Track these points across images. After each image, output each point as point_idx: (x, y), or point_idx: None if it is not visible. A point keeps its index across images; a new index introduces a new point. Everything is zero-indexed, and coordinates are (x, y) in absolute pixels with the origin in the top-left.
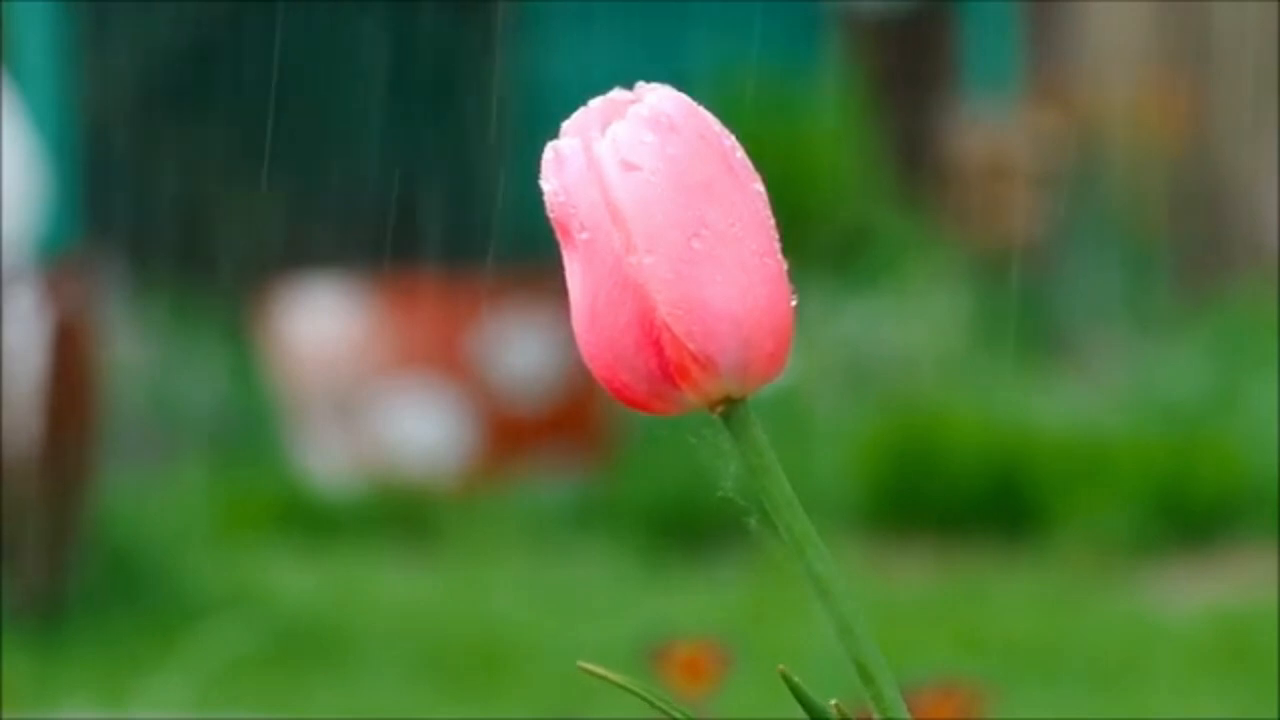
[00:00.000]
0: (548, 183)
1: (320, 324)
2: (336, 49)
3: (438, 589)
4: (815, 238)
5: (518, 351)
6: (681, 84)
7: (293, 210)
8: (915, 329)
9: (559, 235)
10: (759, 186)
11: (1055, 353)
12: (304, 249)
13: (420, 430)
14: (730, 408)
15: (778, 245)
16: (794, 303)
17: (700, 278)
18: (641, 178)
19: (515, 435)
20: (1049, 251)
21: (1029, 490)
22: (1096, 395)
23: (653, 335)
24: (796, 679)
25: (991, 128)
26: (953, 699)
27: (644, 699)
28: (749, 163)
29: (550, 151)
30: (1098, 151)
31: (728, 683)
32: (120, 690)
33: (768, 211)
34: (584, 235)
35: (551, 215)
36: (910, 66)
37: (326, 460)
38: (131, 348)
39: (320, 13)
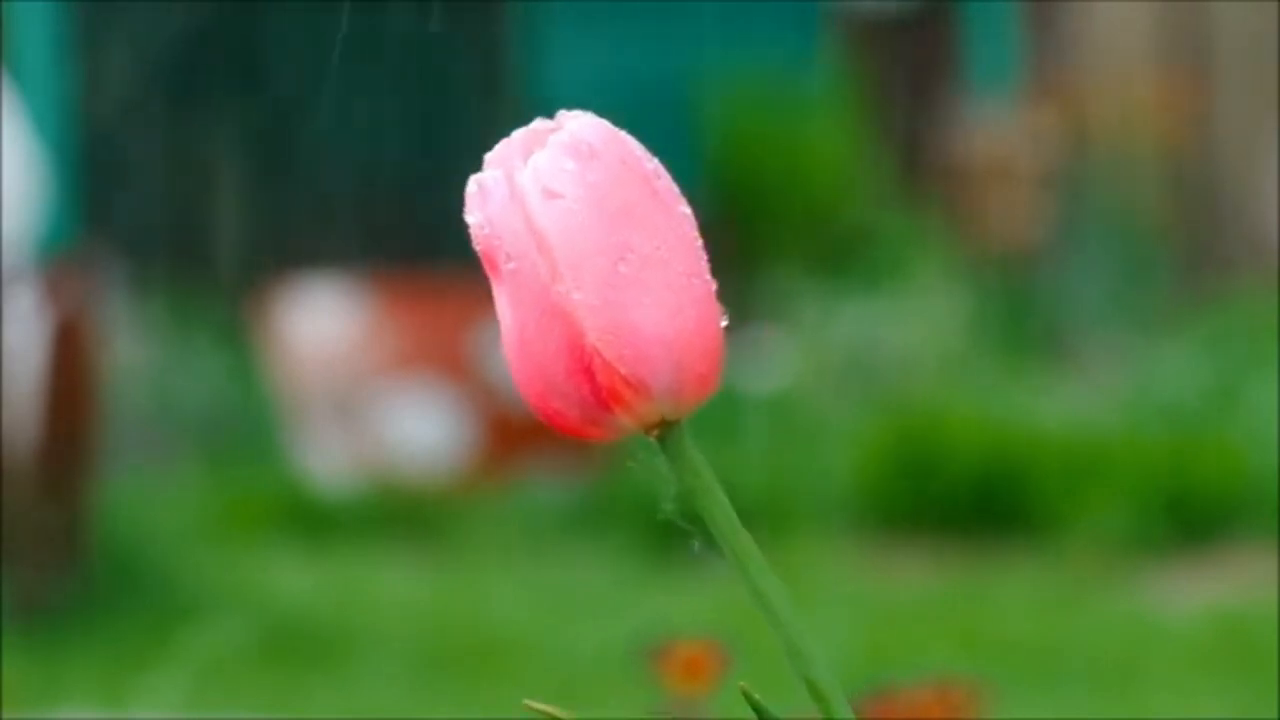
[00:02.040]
0: (472, 215)
1: (320, 324)
2: (335, 49)
3: (437, 589)
4: (815, 238)
5: None
6: (682, 84)
7: (292, 210)
8: (915, 329)
9: (486, 267)
10: (685, 209)
11: (1055, 352)
12: (304, 249)
13: (420, 430)
14: (665, 430)
15: (706, 266)
16: (724, 323)
17: (628, 302)
18: (564, 205)
19: (515, 435)
20: (1049, 251)
21: (1029, 491)
22: (1096, 395)
23: (583, 361)
24: (758, 697)
25: (992, 128)
26: (952, 699)
27: None
28: (674, 186)
29: (473, 184)
30: (1098, 151)
31: (726, 683)
32: (120, 690)
33: (694, 233)
34: (510, 265)
35: (477, 248)
36: (910, 66)
37: (326, 460)
38: (131, 348)
39: (320, 12)
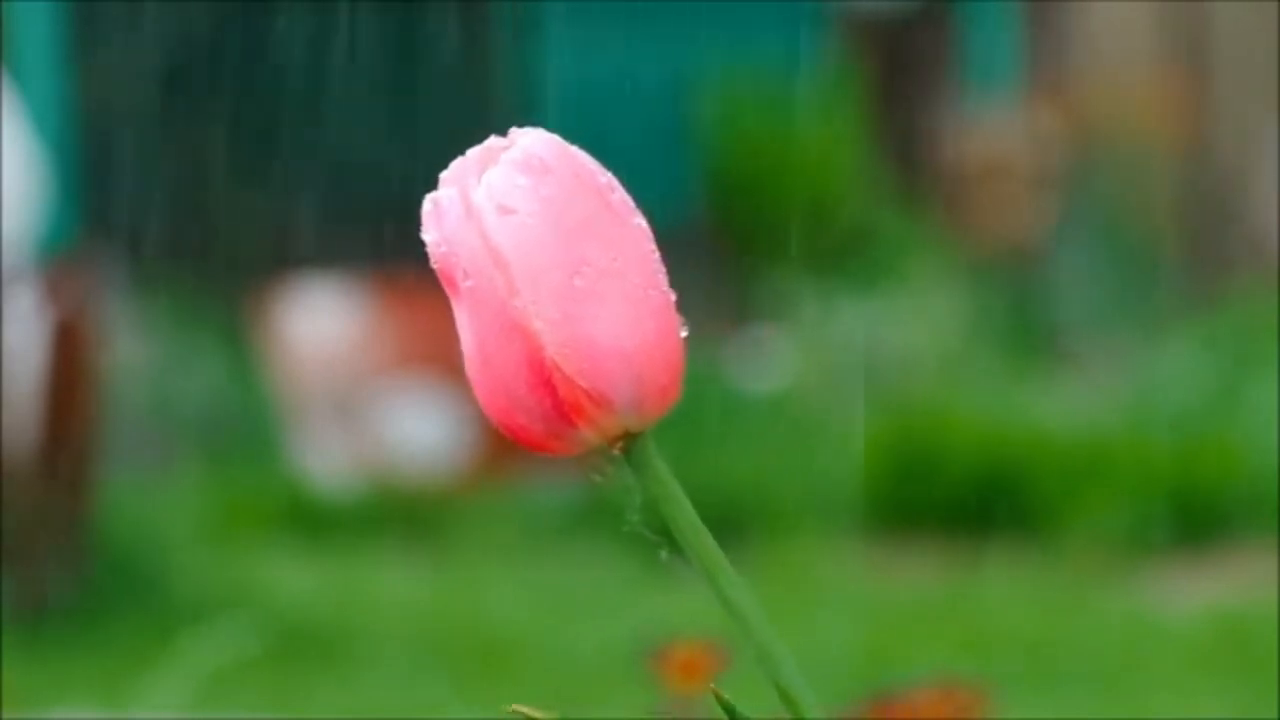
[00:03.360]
0: (428, 234)
1: (320, 324)
2: (336, 48)
3: (437, 589)
4: (815, 238)
5: None
6: (682, 84)
7: (292, 210)
8: (915, 329)
9: (444, 285)
10: (640, 221)
11: (1055, 353)
12: (304, 249)
13: (420, 430)
14: (629, 442)
15: (664, 278)
16: (684, 334)
17: (585, 315)
18: (518, 220)
19: None
20: (1049, 251)
21: (1029, 491)
22: (1096, 395)
23: (544, 376)
24: (728, 697)
25: (991, 127)
26: (953, 699)
27: None
28: (628, 198)
29: (429, 204)
30: (1097, 151)
31: (725, 683)
32: (120, 690)
33: (651, 245)
34: (468, 283)
35: (435, 266)
36: (910, 66)
37: (326, 460)
38: (131, 348)
39: (319, 12)
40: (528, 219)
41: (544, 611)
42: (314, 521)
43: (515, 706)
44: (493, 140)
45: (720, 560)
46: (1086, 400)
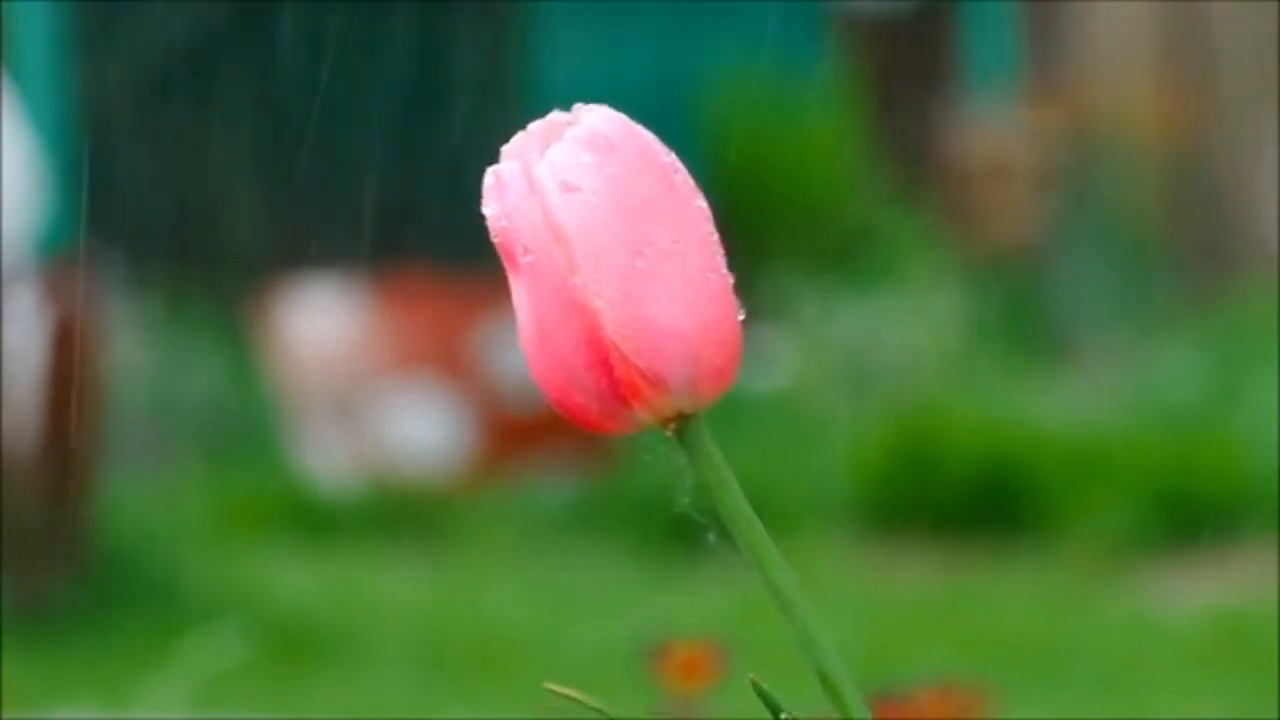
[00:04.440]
0: (489, 207)
1: (320, 324)
2: (336, 48)
3: (438, 589)
4: (815, 238)
5: (518, 351)
6: (682, 84)
7: (292, 210)
8: (915, 329)
9: (504, 259)
10: (701, 203)
11: (1055, 352)
12: (304, 249)
13: (420, 430)
14: (683, 424)
15: (723, 261)
16: (741, 317)
17: (645, 296)
18: (582, 198)
19: (515, 435)
20: (1048, 251)
21: (1029, 490)
22: (1096, 395)
23: (601, 355)
24: (767, 688)
25: (991, 127)
26: (953, 699)
27: (600, 714)
28: (690, 180)
29: (490, 176)
30: (1097, 151)
31: (725, 682)
32: (120, 690)
33: (711, 228)
34: (528, 258)
35: (495, 240)
36: (910, 66)
37: (326, 460)
38: (131, 348)
39: (319, 12)
40: (591, 197)
41: (544, 611)
42: (314, 521)
43: (549, 685)
44: (555, 114)
45: (769, 547)
46: (1086, 400)
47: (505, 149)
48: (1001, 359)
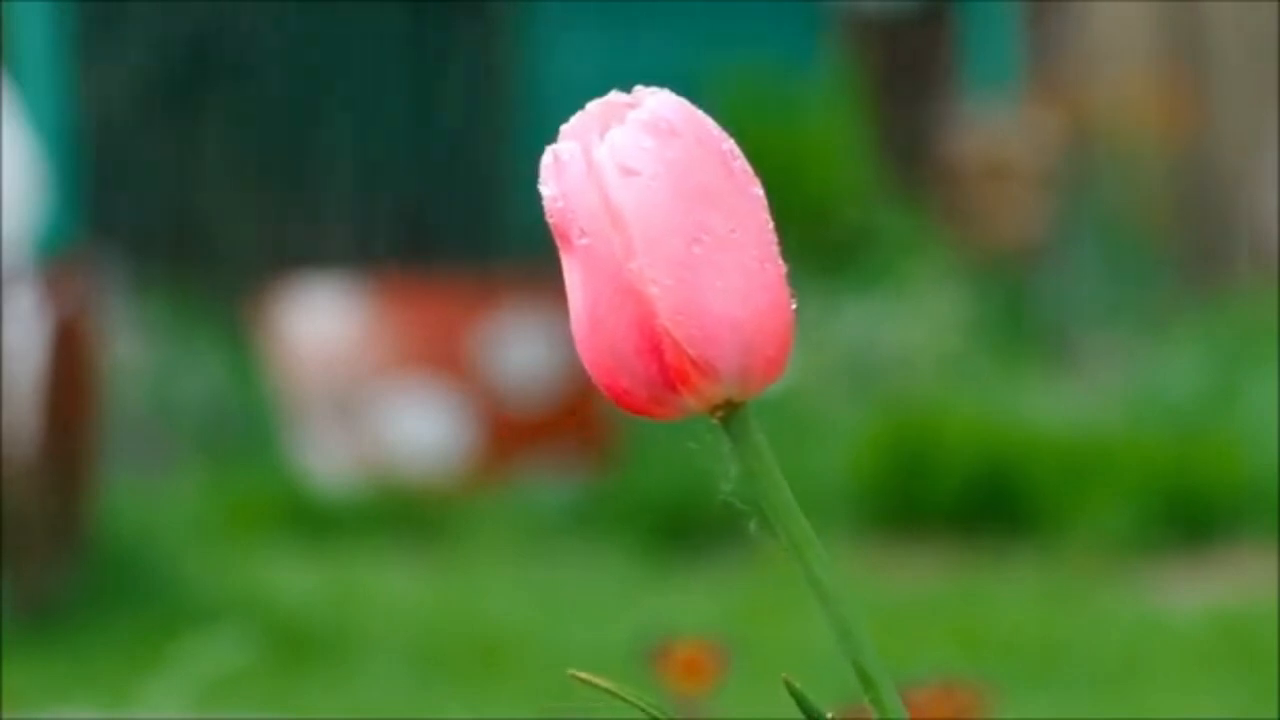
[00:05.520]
0: (547, 187)
1: (320, 324)
2: (336, 49)
3: (437, 589)
4: (815, 238)
5: (518, 351)
6: (682, 83)
7: (293, 210)
8: (915, 329)
9: (558, 240)
10: (758, 191)
11: (1055, 352)
12: (304, 249)
13: (420, 430)
14: (730, 412)
15: (777, 250)
16: (794, 307)
17: (700, 283)
18: (641, 183)
19: (515, 435)
20: (1049, 251)
21: (1029, 490)
22: (1096, 395)
23: (654, 341)
24: (798, 685)
25: (991, 127)
26: (953, 699)
27: (634, 705)
28: (748, 167)
29: (549, 156)
30: (1097, 151)
31: (726, 682)
32: (120, 691)
33: (767, 216)
34: (584, 241)
35: (550, 220)
36: (910, 66)
37: (326, 460)
38: (131, 348)
39: (320, 13)
40: (651, 181)
41: (544, 611)
42: (314, 521)
43: (572, 672)
44: (615, 95)
45: (810, 539)
46: (1086, 399)
47: (564, 128)
48: (1001, 359)
